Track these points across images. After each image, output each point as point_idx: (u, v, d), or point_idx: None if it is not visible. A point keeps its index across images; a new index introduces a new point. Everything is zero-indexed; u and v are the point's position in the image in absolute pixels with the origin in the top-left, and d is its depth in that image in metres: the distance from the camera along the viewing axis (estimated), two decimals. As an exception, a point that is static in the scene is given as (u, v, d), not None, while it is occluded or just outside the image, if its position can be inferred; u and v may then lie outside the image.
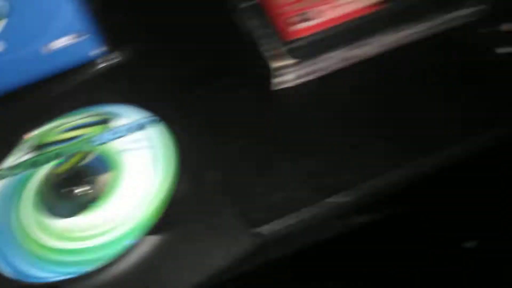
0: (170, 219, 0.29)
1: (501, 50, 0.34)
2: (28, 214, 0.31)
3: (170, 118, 0.33)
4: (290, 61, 0.34)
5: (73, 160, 0.33)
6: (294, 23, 0.33)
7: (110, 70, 0.39)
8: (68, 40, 0.37)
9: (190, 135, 0.32)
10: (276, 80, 0.35)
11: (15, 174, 0.33)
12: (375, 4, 0.34)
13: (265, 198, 0.30)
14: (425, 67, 0.35)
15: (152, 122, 0.33)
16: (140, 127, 0.33)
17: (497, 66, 0.34)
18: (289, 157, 0.31)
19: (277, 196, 0.30)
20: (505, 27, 0.36)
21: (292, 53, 0.33)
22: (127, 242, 0.29)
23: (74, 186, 0.31)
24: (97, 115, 0.35)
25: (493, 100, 0.32)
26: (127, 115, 0.34)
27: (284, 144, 0.32)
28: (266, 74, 0.35)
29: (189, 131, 0.33)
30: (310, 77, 0.35)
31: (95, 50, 0.39)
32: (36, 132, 0.35)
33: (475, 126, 0.31)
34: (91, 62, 0.39)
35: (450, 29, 0.37)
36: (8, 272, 0.29)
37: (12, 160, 0.34)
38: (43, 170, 0.32)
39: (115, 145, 0.32)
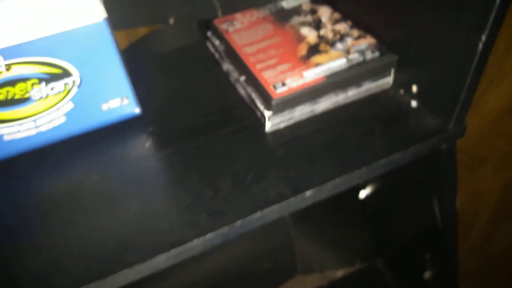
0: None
1: (412, 104, 0.54)
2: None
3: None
4: (275, 112, 0.51)
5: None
6: (276, 88, 0.51)
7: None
8: (118, 101, 0.52)
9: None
10: (266, 125, 0.52)
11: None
12: (325, 76, 0.53)
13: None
14: (362, 116, 0.54)
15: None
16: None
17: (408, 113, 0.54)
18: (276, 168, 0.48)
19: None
20: (414, 88, 0.55)
21: (276, 106, 0.51)
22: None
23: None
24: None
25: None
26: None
27: (274, 163, 0.49)
28: (258, 122, 0.53)
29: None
30: (288, 123, 0.53)
31: (133, 110, 0.54)
32: None
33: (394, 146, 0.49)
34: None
35: (376, 93, 0.56)
36: None
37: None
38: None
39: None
